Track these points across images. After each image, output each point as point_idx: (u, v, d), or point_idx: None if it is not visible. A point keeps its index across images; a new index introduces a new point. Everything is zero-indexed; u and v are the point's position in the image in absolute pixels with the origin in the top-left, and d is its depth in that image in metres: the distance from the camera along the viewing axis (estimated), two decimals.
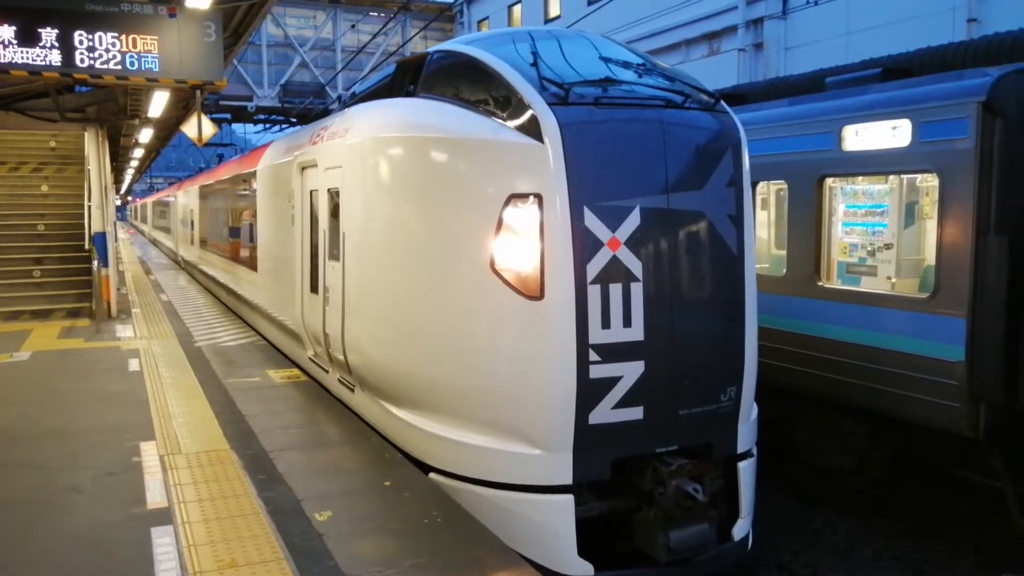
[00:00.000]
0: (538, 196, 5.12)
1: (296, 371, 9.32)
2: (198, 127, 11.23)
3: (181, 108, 14.29)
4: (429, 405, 5.90)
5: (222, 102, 28.42)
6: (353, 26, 29.98)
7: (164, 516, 5.07)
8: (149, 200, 48.76)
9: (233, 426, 7.09)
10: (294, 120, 28.07)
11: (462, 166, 5.64)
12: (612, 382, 5.14)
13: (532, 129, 5.18)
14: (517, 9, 29.57)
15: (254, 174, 11.37)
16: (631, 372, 5.17)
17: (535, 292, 5.13)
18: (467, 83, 5.88)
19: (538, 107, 5.20)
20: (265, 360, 10.11)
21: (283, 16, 29.55)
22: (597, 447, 5.19)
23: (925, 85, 6.76)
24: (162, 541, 4.69)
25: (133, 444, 6.53)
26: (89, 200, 14.51)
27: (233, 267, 13.69)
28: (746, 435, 5.83)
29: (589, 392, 5.10)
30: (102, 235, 14.15)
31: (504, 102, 5.45)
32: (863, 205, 7.40)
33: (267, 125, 31.40)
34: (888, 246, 7.16)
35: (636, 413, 5.22)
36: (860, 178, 7.39)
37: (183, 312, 14.74)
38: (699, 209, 5.40)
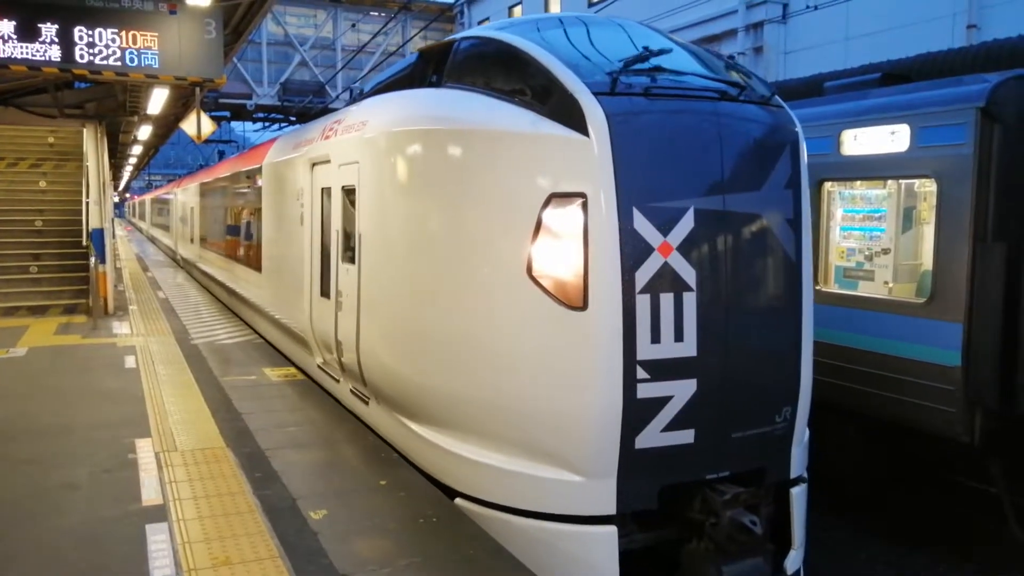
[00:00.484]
0: (582, 195, 4.63)
1: (293, 369, 9.31)
2: (197, 124, 11.21)
3: (180, 105, 14.28)
4: (455, 423, 5.39)
5: (221, 100, 28.47)
6: (353, 25, 30.06)
7: (159, 513, 5.06)
8: (147, 197, 48.71)
9: (229, 424, 7.08)
10: (293, 119, 28.12)
11: (496, 162, 5.10)
12: (661, 402, 4.67)
13: (576, 121, 4.66)
14: (518, 10, 29.62)
15: (259, 170, 11.07)
16: (682, 391, 4.70)
17: (577, 302, 4.64)
18: (501, 71, 5.38)
19: (583, 97, 4.68)
20: (262, 358, 10.10)
21: (283, 15, 29.64)
22: (644, 474, 4.73)
23: (924, 90, 6.78)
24: (157, 538, 4.68)
25: (129, 441, 6.52)
26: (87, 196, 14.50)
27: (235, 267, 13.49)
28: (799, 458, 5.38)
29: (636, 413, 4.63)
30: (100, 232, 14.13)
31: (543, 92, 4.93)
32: (861, 210, 7.41)
33: (266, 123, 31.44)
34: (886, 251, 7.18)
35: (687, 436, 4.75)
36: (858, 183, 7.41)
37: (180, 310, 14.72)
38: (757, 212, 4.93)
